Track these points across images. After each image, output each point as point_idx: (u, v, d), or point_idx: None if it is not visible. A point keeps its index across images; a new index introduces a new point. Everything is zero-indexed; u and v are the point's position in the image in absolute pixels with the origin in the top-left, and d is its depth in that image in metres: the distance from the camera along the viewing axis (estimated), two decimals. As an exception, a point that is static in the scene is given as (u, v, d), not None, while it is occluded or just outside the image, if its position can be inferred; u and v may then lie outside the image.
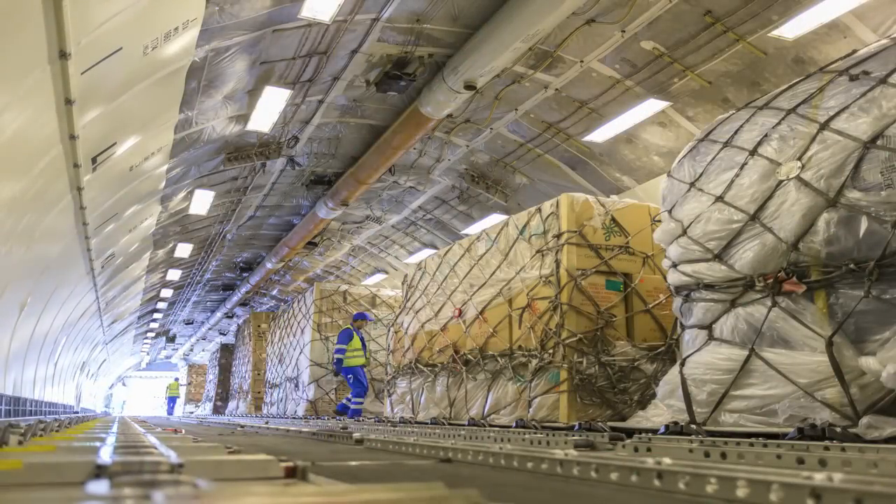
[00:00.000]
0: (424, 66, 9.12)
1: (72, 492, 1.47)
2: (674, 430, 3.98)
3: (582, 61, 8.70)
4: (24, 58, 4.62)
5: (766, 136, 4.07)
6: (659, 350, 5.43)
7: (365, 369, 10.87)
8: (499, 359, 6.07)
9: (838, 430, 3.20)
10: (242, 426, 9.27)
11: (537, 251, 5.87)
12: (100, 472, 1.71)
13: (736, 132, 4.34)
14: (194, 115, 8.79)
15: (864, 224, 3.37)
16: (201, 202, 13.05)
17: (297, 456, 3.25)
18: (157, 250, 15.72)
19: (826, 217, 3.54)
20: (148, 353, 42.52)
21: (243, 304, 25.94)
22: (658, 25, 7.79)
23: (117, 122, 6.97)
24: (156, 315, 27.03)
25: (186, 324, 32.13)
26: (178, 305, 26.89)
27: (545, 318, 5.59)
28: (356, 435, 4.77)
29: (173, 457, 1.95)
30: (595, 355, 5.31)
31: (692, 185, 4.47)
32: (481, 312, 6.44)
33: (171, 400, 32.65)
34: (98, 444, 2.81)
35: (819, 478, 1.52)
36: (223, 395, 24.52)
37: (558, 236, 5.67)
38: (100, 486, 1.51)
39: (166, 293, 22.76)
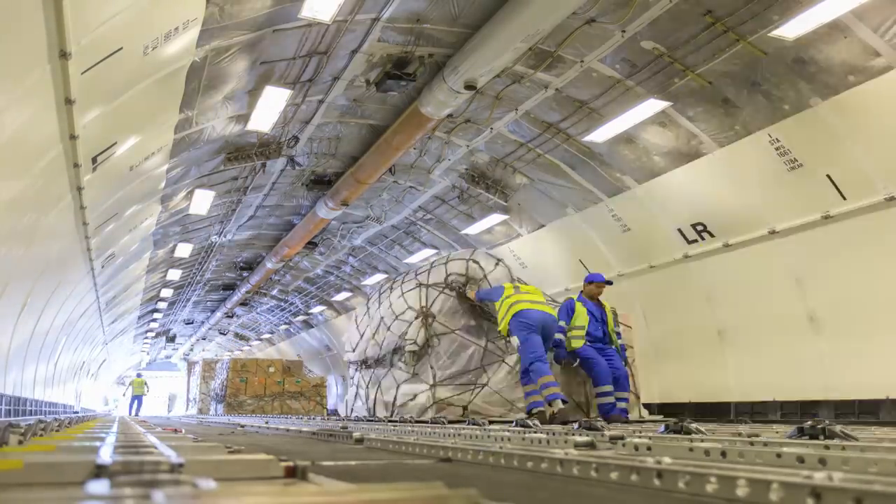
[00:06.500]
0: (424, 66, 9.12)
1: (72, 492, 1.46)
2: (674, 429, 3.98)
3: (582, 61, 8.70)
4: (24, 58, 4.62)
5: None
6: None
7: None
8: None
9: (838, 429, 3.20)
10: (242, 426, 9.27)
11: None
12: (100, 471, 1.71)
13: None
14: (194, 115, 8.78)
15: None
16: (201, 202, 13.04)
17: (298, 455, 3.26)
18: (157, 250, 15.71)
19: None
20: (148, 353, 42.50)
21: (243, 303, 25.92)
22: (658, 25, 7.78)
23: (117, 122, 6.97)
24: (156, 315, 27.01)
25: (186, 324, 32.11)
26: (178, 305, 26.87)
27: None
28: (356, 434, 4.78)
29: (173, 456, 1.95)
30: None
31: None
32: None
33: (136, 399, 27.46)
34: (98, 443, 2.81)
35: (819, 477, 1.52)
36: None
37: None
38: (100, 486, 1.51)
39: (166, 293, 22.73)
